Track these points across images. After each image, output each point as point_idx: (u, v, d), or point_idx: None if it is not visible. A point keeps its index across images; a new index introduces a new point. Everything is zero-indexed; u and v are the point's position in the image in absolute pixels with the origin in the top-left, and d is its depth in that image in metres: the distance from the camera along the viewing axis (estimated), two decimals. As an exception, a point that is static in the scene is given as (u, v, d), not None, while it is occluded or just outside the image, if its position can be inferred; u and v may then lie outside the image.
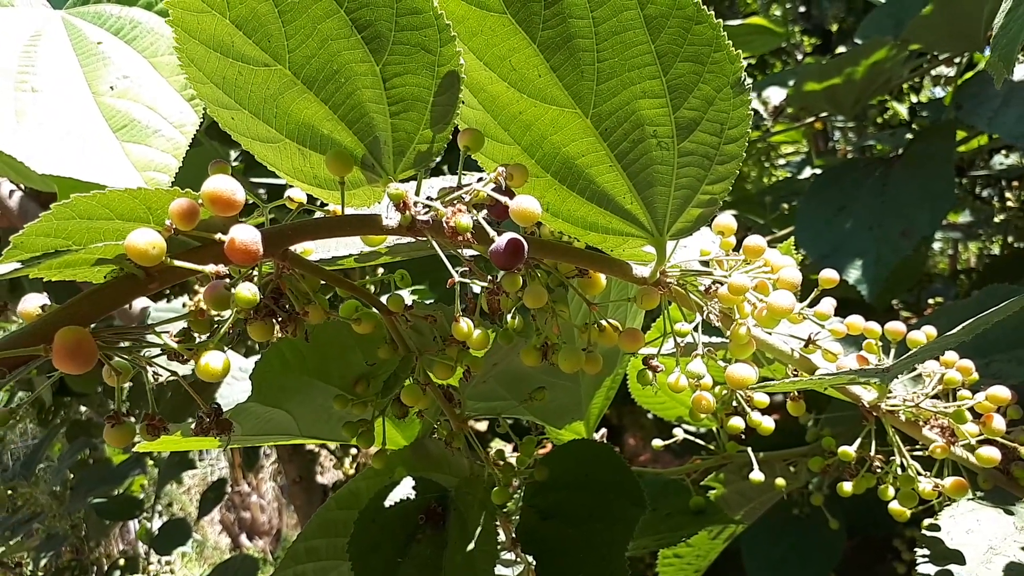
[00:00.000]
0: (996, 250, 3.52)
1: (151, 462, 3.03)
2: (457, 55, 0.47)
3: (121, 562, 3.02)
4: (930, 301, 2.72)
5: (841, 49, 3.36)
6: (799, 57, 3.78)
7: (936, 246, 3.71)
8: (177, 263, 0.42)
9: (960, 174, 2.49)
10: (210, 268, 0.42)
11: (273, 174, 0.53)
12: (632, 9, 0.49)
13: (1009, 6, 0.55)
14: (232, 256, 0.42)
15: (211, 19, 0.46)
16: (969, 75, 1.72)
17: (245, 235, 0.42)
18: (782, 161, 3.09)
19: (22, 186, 1.78)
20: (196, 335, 0.47)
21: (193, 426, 0.46)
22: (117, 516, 2.66)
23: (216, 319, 0.49)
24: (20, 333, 0.41)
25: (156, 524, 2.94)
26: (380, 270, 1.07)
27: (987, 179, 2.82)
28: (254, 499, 6.43)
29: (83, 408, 3.03)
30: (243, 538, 6.27)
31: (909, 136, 1.96)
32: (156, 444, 0.58)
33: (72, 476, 2.86)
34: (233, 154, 2.03)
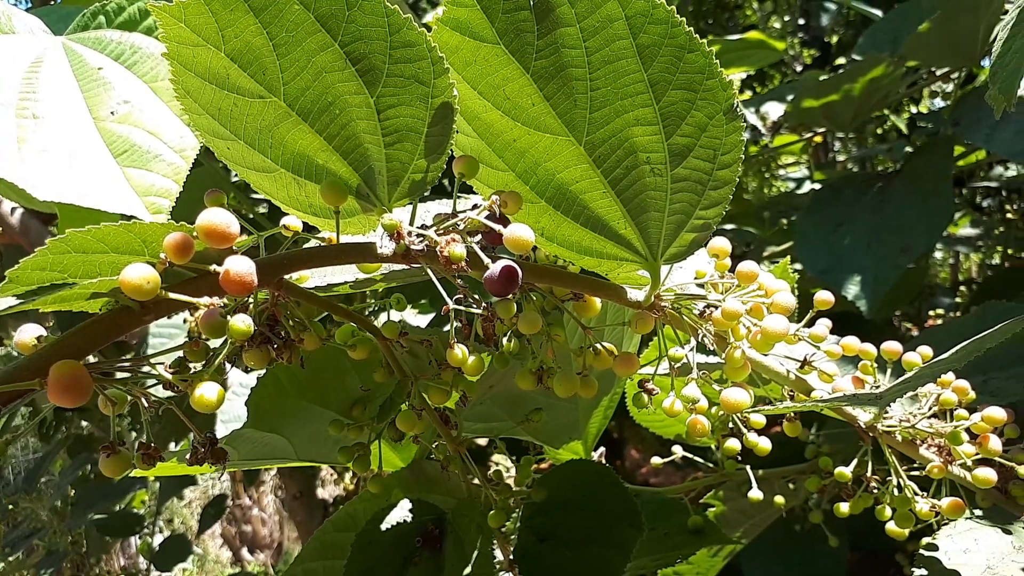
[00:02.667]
0: (997, 260, 3.52)
1: (152, 477, 3.03)
2: (451, 87, 0.47)
3: (122, 578, 3.02)
4: (931, 312, 2.72)
5: (840, 61, 3.37)
6: (798, 69, 3.80)
7: (937, 255, 3.72)
8: (172, 295, 0.42)
9: (960, 185, 2.49)
10: (204, 300, 0.42)
11: None
12: (624, 39, 0.49)
13: (1005, 35, 0.55)
14: (227, 287, 0.42)
15: (206, 52, 0.46)
16: (968, 89, 1.73)
17: (240, 266, 0.42)
18: (782, 172, 3.09)
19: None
20: (192, 364, 0.47)
21: (188, 456, 0.46)
22: (118, 533, 2.66)
23: (212, 349, 0.49)
24: (16, 367, 0.41)
25: (157, 539, 2.93)
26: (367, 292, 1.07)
27: (987, 190, 2.82)
28: (255, 512, 6.41)
29: (84, 423, 3.03)
30: (244, 551, 6.25)
31: (908, 149, 1.97)
32: (152, 471, 0.58)
33: (73, 492, 2.86)
34: (234, 175, 2.04)
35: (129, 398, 0.47)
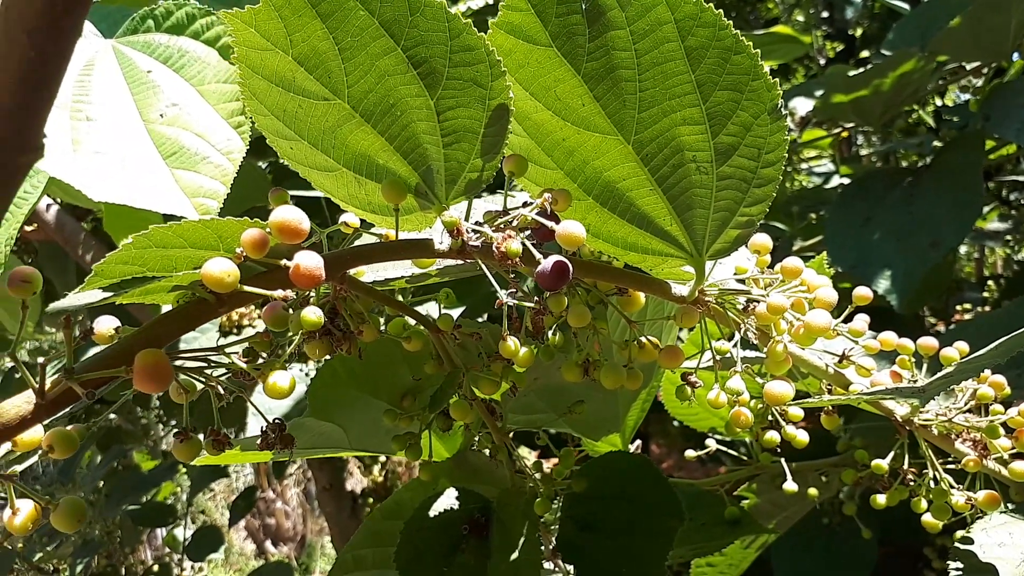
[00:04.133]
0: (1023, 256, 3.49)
1: (182, 469, 3.08)
2: (507, 88, 0.49)
3: (155, 568, 3.07)
4: (958, 307, 2.70)
5: (865, 54, 3.35)
6: (822, 62, 3.78)
7: (962, 250, 3.69)
8: (247, 288, 0.44)
9: (988, 179, 2.48)
10: (279, 293, 0.44)
11: (304, 186, 0.56)
12: (673, 41, 0.51)
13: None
14: (297, 281, 0.45)
15: (274, 56, 0.48)
16: (998, 83, 1.73)
17: (310, 261, 0.44)
18: (805, 166, 3.08)
19: (58, 200, 1.82)
20: (261, 355, 0.49)
21: (259, 441, 0.48)
22: (152, 523, 2.71)
23: (276, 340, 0.51)
24: (103, 355, 0.43)
25: (188, 531, 2.98)
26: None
27: (1016, 184, 2.80)
28: (279, 505, 6.47)
29: (112, 416, 3.09)
30: (268, 544, 6.31)
31: (937, 144, 1.96)
32: (218, 458, 0.61)
33: (103, 483, 2.92)
34: (263, 164, 2.07)
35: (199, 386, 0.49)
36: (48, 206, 1.85)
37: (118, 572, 3.07)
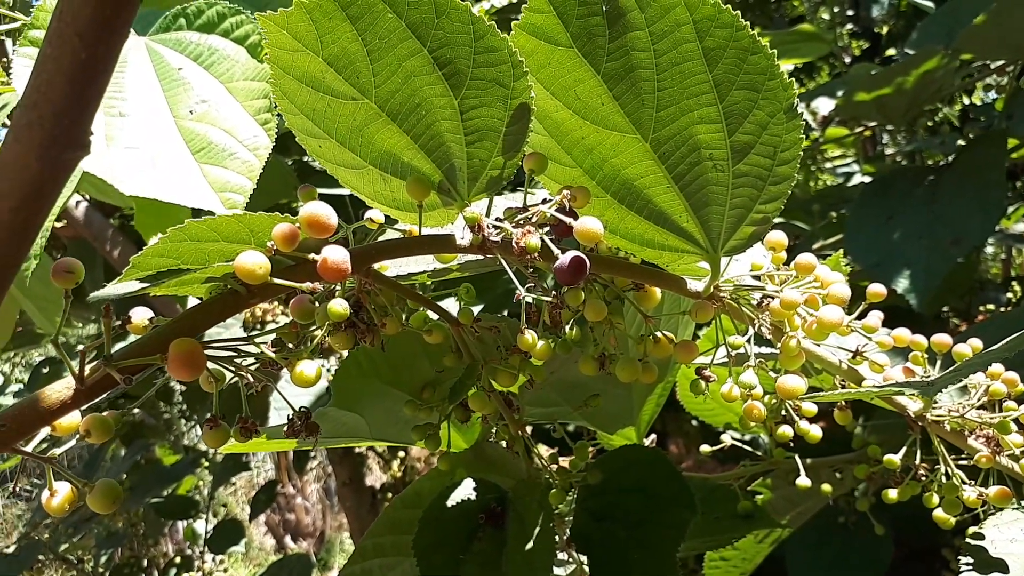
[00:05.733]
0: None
1: (204, 463, 3.13)
2: (528, 88, 0.51)
3: (177, 560, 3.12)
4: (981, 308, 2.68)
5: (890, 52, 3.33)
6: (847, 60, 3.75)
7: (988, 251, 3.66)
8: (277, 281, 0.46)
9: (1014, 179, 2.46)
10: (307, 285, 0.46)
11: (327, 184, 0.58)
12: (691, 42, 0.52)
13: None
14: (325, 274, 0.46)
15: (305, 57, 0.50)
16: (1023, 82, 1.72)
17: (337, 255, 0.46)
18: (829, 165, 3.07)
19: (87, 196, 1.86)
20: (288, 345, 0.51)
21: (286, 429, 0.50)
22: (175, 515, 2.76)
23: (303, 331, 0.53)
24: (139, 343, 0.46)
25: (209, 524, 3.03)
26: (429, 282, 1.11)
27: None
28: (299, 501, 6.53)
29: (135, 410, 3.14)
30: (288, 539, 6.37)
31: (961, 143, 1.95)
32: (245, 446, 0.63)
33: (127, 477, 2.97)
34: (288, 162, 2.10)
35: (228, 376, 0.51)
36: (77, 203, 1.88)
37: (141, 563, 3.12)
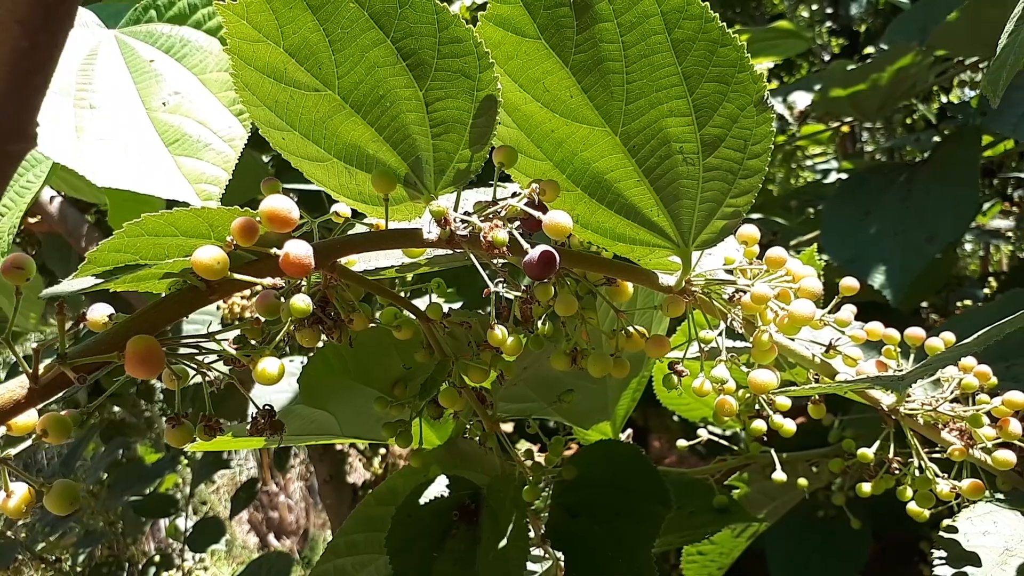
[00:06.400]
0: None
1: (184, 461, 3.10)
2: (495, 80, 0.50)
3: (156, 559, 3.09)
4: (959, 304, 2.70)
5: (869, 50, 3.35)
6: (826, 58, 3.77)
7: (967, 247, 3.69)
8: (237, 276, 0.45)
9: (991, 175, 2.48)
10: (268, 281, 0.45)
11: (305, 180, 0.57)
12: (660, 33, 0.52)
13: (1011, 28, 0.57)
14: (287, 269, 0.46)
15: (266, 48, 0.49)
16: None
17: (299, 250, 0.45)
18: (809, 162, 3.09)
19: (62, 192, 1.83)
20: (252, 342, 0.50)
21: (249, 427, 0.49)
22: (154, 514, 2.73)
23: (268, 328, 0.52)
24: (95, 341, 0.45)
25: (189, 523, 3.00)
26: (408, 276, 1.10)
27: (1019, 181, 2.80)
28: (282, 499, 6.50)
29: (116, 408, 3.11)
30: (271, 537, 6.34)
31: (936, 139, 1.96)
32: (210, 444, 0.62)
33: (106, 475, 2.94)
34: (265, 158, 2.08)
35: (192, 374, 0.50)
36: (52, 198, 1.85)
37: (120, 562, 3.09)
